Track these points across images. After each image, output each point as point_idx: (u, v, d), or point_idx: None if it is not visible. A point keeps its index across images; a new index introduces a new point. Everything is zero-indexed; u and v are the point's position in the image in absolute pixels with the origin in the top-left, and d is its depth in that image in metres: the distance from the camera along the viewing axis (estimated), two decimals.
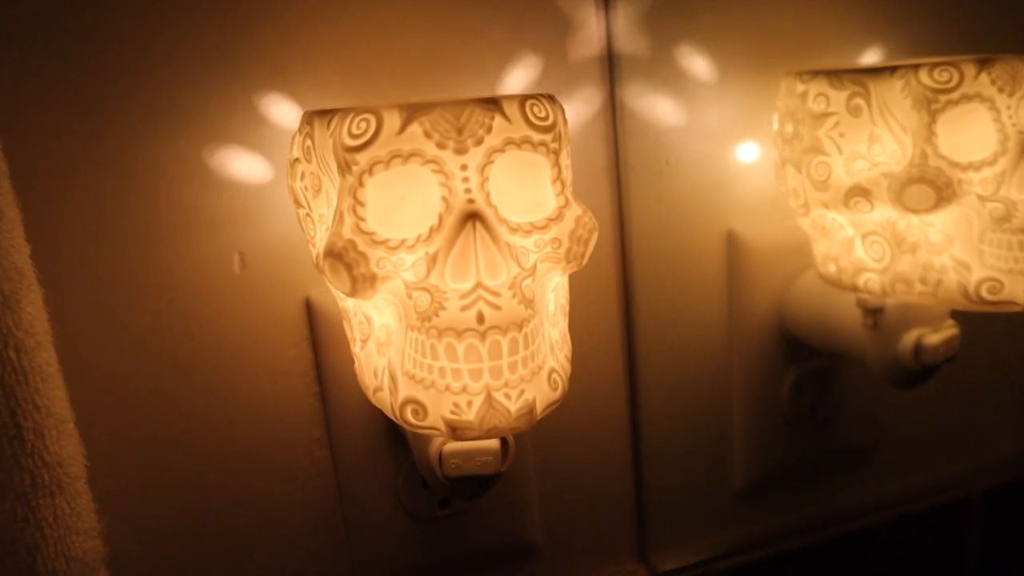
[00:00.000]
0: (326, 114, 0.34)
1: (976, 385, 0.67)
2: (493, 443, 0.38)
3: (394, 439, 0.50)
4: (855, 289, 0.47)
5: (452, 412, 0.31)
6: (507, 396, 0.31)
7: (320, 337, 0.48)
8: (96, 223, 0.44)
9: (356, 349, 0.37)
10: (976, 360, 0.63)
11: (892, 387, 0.50)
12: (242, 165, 0.46)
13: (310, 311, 0.48)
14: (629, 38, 0.52)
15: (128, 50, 0.43)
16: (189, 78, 0.44)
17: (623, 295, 0.57)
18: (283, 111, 0.46)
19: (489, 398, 0.31)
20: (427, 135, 0.31)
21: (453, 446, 0.38)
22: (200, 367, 0.47)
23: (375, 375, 0.35)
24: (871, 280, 0.46)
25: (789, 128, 0.47)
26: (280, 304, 0.48)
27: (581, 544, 0.58)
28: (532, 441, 0.55)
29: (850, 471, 0.64)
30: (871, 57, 0.54)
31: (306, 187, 0.37)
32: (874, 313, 0.48)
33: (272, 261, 0.47)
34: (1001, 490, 0.67)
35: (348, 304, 0.37)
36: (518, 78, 0.51)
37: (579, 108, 0.52)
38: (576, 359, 0.39)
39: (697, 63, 0.53)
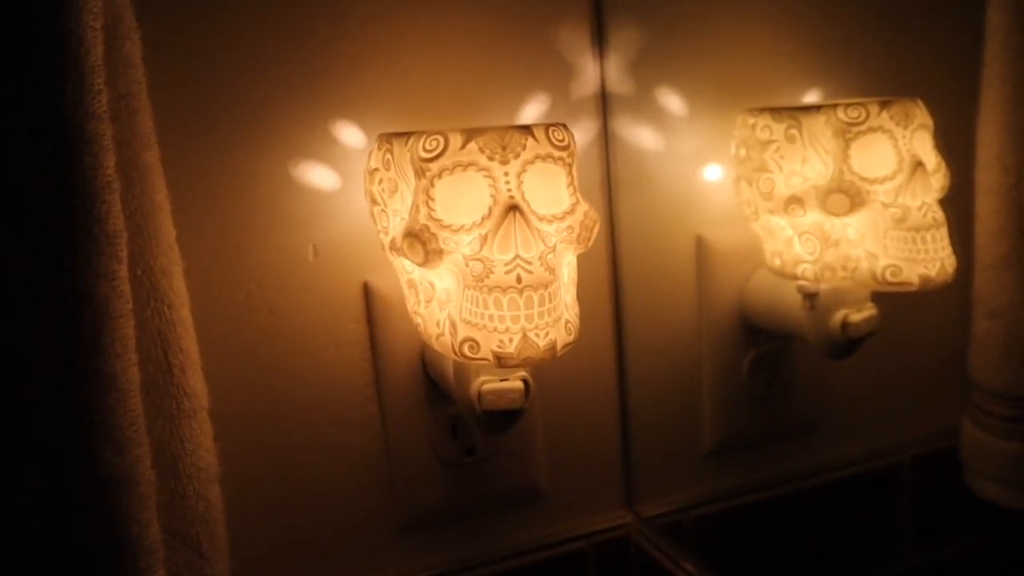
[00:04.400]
0: (402, 135, 0.47)
1: (907, 369, 0.78)
2: (519, 384, 0.50)
3: (431, 398, 0.62)
4: (795, 277, 0.60)
5: (498, 346, 0.44)
6: (537, 335, 0.44)
7: (375, 314, 0.60)
8: (203, 218, 0.56)
9: (420, 309, 0.50)
10: (908, 348, 0.75)
11: (827, 358, 0.63)
12: (317, 176, 0.58)
13: (367, 293, 0.60)
14: (619, 81, 0.65)
15: (227, 79, 0.55)
16: (277, 105, 0.57)
17: (613, 288, 0.69)
18: (350, 134, 0.59)
19: (524, 336, 0.43)
20: (481, 150, 0.44)
21: (489, 386, 0.50)
22: (280, 335, 0.59)
23: (437, 325, 0.47)
24: (806, 269, 0.59)
25: (742, 152, 0.61)
26: (344, 287, 0.60)
27: (579, 492, 0.70)
28: (541, 407, 0.67)
29: (800, 438, 0.75)
30: (809, 97, 0.68)
31: (383, 189, 0.49)
32: (811, 297, 0.60)
33: (338, 252, 0.59)
34: (928, 457, 0.78)
35: (415, 275, 0.49)
36: (531, 111, 0.64)
37: (579, 135, 0.65)
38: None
39: (673, 101, 0.67)
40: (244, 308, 0.58)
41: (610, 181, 0.67)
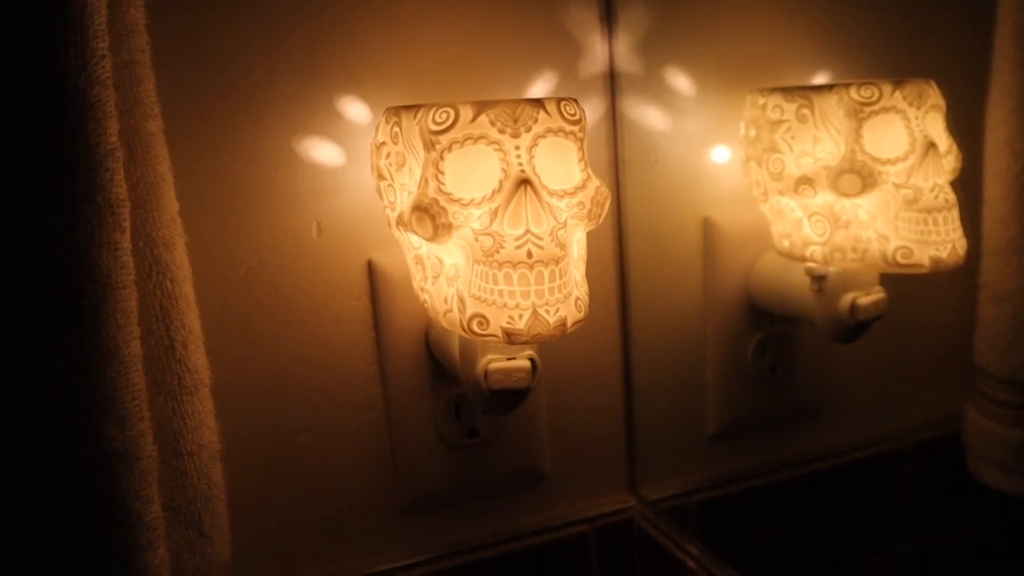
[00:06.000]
0: (411, 108, 0.46)
1: (912, 354, 0.78)
2: (526, 363, 0.50)
3: (435, 378, 0.61)
4: (803, 259, 0.60)
5: (508, 322, 0.43)
6: (547, 312, 0.43)
7: (379, 292, 0.59)
8: (204, 192, 0.55)
9: (427, 285, 0.49)
10: (913, 332, 0.75)
11: (834, 341, 0.62)
12: (321, 152, 0.57)
13: (371, 270, 0.59)
14: (627, 59, 0.64)
15: (231, 50, 0.54)
16: (281, 78, 0.56)
17: (619, 269, 0.69)
18: (355, 110, 0.58)
19: (535, 312, 0.43)
20: (492, 123, 0.43)
21: (496, 365, 0.49)
22: (281, 312, 0.58)
23: (445, 301, 0.47)
24: (815, 251, 0.59)
25: (752, 132, 0.60)
26: (347, 264, 0.59)
27: (582, 475, 0.69)
28: (545, 388, 0.66)
29: (804, 422, 0.75)
30: (818, 78, 0.67)
31: (390, 163, 0.48)
32: (819, 279, 0.60)
33: (343, 229, 0.59)
34: (930, 443, 0.78)
35: (423, 251, 0.49)
36: (538, 88, 0.63)
37: (586, 114, 0.65)
38: None
39: (681, 81, 0.66)
40: (245, 284, 0.57)
41: (617, 161, 0.66)
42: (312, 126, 0.57)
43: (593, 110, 0.64)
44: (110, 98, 0.38)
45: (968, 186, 0.57)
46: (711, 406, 0.71)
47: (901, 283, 0.58)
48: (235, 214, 0.56)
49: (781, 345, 0.71)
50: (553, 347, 0.65)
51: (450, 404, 0.62)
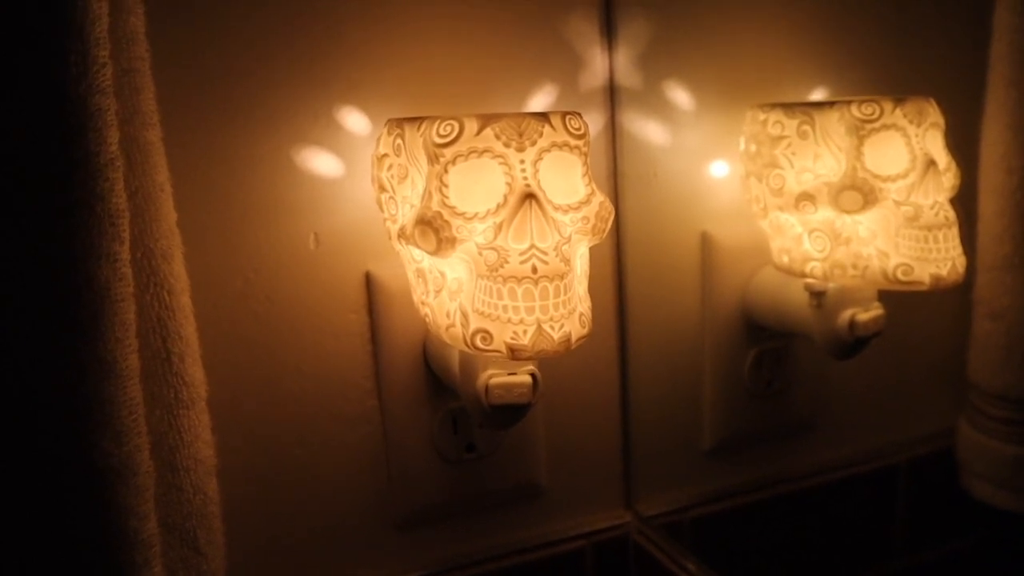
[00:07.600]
0: (414, 120, 0.46)
1: (905, 371, 0.79)
2: (527, 379, 0.49)
3: (432, 392, 0.60)
4: (803, 275, 0.60)
5: (512, 338, 0.42)
6: (552, 327, 0.42)
7: (376, 305, 0.59)
8: (200, 202, 0.54)
9: (429, 299, 0.48)
10: (907, 348, 0.75)
11: (832, 357, 0.62)
12: (320, 163, 0.57)
13: (369, 283, 0.59)
14: (627, 74, 0.64)
15: (230, 60, 0.54)
16: (280, 88, 0.55)
17: (617, 283, 0.68)
18: (354, 120, 0.57)
19: (539, 328, 0.42)
20: (497, 137, 0.43)
21: (497, 380, 0.49)
22: (277, 324, 0.57)
23: (447, 316, 0.46)
24: (815, 267, 0.59)
25: (752, 148, 0.60)
26: (345, 276, 0.58)
27: (579, 490, 0.69)
28: (542, 403, 0.66)
29: (799, 438, 0.75)
30: (817, 94, 0.67)
31: (392, 176, 0.48)
32: (818, 295, 0.60)
33: (340, 241, 0.58)
34: (923, 458, 0.79)
35: (424, 264, 0.48)
36: (539, 101, 0.62)
37: None
38: None
39: (681, 95, 0.66)
40: (241, 295, 0.56)
41: (616, 174, 0.66)
42: (311, 136, 0.56)
43: (593, 123, 0.64)
44: (111, 107, 0.38)
45: (964, 203, 0.58)
46: (707, 421, 0.71)
47: (896, 299, 0.58)
48: (232, 224, 0.55)
49: (778, 360, 0.71)
50: (550, 361, 0.64)
51: (447, 418, 0.61)
